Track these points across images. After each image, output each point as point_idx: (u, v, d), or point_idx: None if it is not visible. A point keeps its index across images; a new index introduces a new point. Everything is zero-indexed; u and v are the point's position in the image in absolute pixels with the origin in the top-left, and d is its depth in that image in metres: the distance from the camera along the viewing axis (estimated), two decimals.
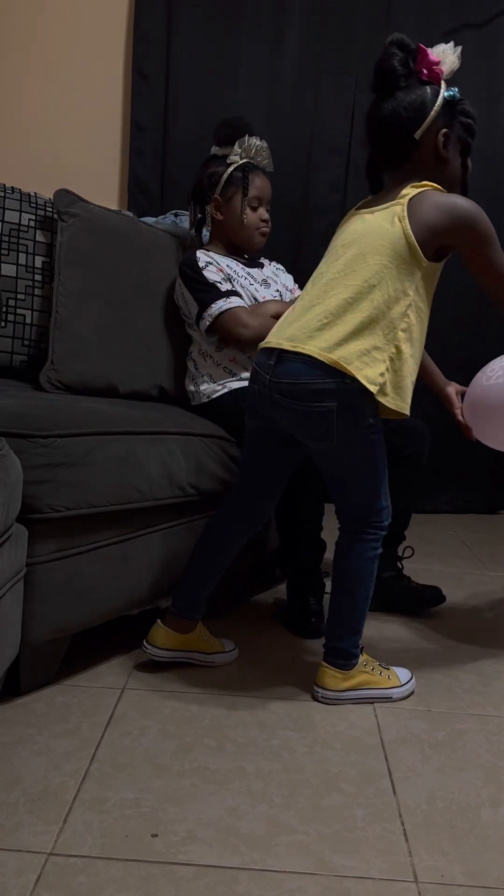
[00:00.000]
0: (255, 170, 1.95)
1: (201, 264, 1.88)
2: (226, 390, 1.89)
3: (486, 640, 1.87)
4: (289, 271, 2.23)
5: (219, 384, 1.90)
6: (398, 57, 1.34)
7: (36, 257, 1.98)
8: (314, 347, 1.33)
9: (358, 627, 1.47)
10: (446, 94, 1.37)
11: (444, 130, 1.39)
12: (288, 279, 2.16)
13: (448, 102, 1.37)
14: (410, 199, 1.35)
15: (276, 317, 1.95)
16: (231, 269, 1.92)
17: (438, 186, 1.39)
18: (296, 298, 2.12)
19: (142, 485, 1.49)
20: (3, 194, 1.96)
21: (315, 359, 1.32)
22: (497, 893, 0.99)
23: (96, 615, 1.48)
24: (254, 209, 1.96)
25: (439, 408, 3.28)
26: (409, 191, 1.36)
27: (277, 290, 2.05)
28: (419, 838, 1.09)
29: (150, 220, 2.31)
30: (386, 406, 1.37)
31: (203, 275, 1.87)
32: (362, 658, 1.49)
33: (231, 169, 1.93)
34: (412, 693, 1.52)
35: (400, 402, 1.38)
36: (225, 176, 1.93)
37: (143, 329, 1.97)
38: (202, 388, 1.92)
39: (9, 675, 1.38)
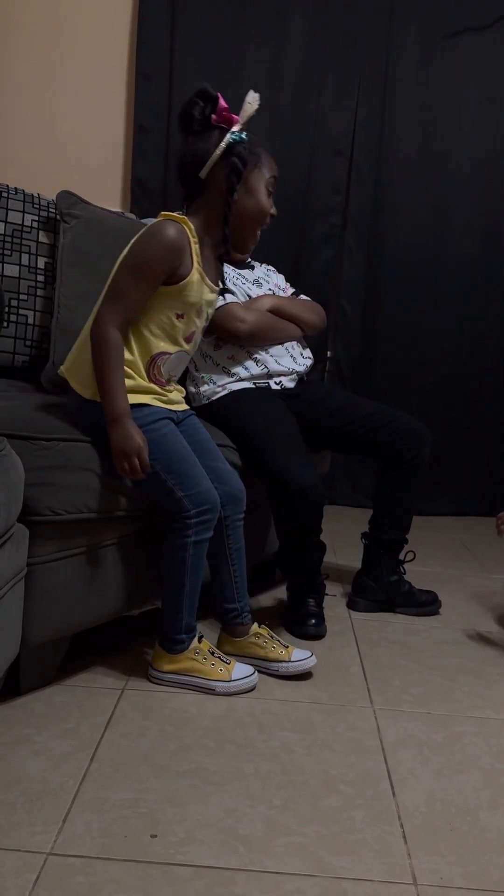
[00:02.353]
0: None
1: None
2: (225, 392, 1.90)
3: (485, 643, 1.87)
4: (291, 271, 2.23)
5: (218, 385, 1.90)
6: (197, 106, 1.47)
7: (38, 258, 1.99)
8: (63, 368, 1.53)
9: (175, 615, 1.49)
10: (230, 137, 1.48)
11: (225, 171, 1.49)
12: (279, 279, 2.17)
13: (231, 144, 1.48)
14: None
15: (272, 311, 1.95)
16: (225, 270, 1.93)
17: (183, 219, 1.46)
18: (292, 295, 2.12)
19: (142, 490, 1.49)
20: (6, 195, 1.97)
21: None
22: None
23: (96, 616, 1.48)
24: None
25: (439, 410, 3.29)
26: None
27: (270, 290, 2.06)
28: (418, 840, 1.10)
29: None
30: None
31: None
32: (196, 646, 1.51)
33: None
34: (246, 691, 1.50)
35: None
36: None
37: None
38: (202, 389, 1.92)
39: (9, 675, 1.38)
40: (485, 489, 3.32)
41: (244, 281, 2.00)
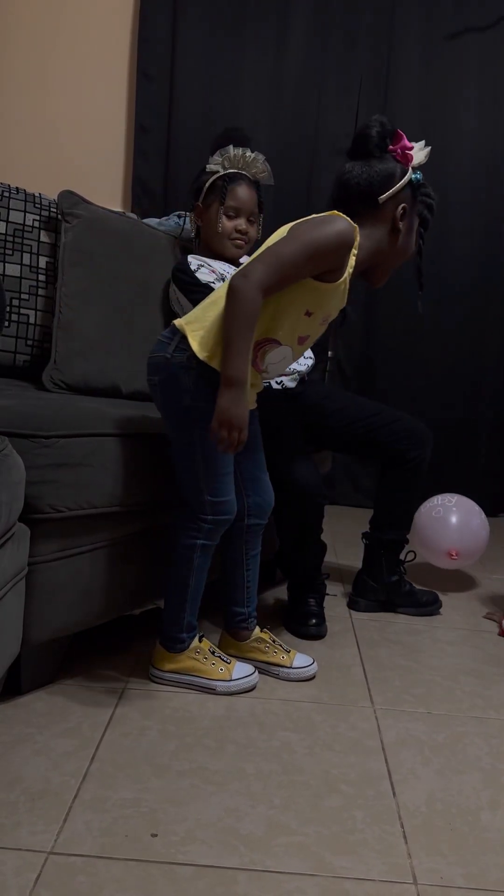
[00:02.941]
0: (241, 180, 1.90)
1: (193, 267, 1.88)
2: None
3: (486, 643, 1.87)
4: None
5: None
6: (378, 130, 1.45)
7: (40, 258, 1.99)
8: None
9: (178, 614, 1.49)
10: (413, 176, 1.47)
11: (404, 205, 1.47)
12: None
13: (413, 184, 1.48)
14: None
15: None
16: (223, 269, 1.93)
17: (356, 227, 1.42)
18: None
19: (143, 486, 1.49)
20: (7, 195, 1.97)
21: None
22: None
23: (97, 615, 1.48)
24: (230, 218, 1.91)
25: (439, 410, 3.29)
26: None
27: None
28: (419, 840, 1.10)
29: (153, 221, 2.31)
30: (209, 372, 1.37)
31: (196, 277, 1.87)
32: (197, 645, 1.51)
33: (213, 178, 1.90)
34: (246, 690, 1.50)
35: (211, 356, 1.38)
36: (207, 184, 1.91)
37: (146, 329, 1.97)
38: None
39: (10, 675, 1.38)
40: (485, 489, 3.32)
41: None
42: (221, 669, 1.50)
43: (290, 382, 1.96)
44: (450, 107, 3.16)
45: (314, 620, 1.81)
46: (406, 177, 1.46)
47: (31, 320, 1.97)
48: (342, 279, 1.42)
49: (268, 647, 1.60)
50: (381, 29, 3.11)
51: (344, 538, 2.68)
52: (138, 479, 1.48)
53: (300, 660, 1.59)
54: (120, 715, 1.38)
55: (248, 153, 1.90)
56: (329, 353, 3.32)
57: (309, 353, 2.07)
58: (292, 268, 1.35)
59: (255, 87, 3.12)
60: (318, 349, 3.27)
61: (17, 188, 2.00)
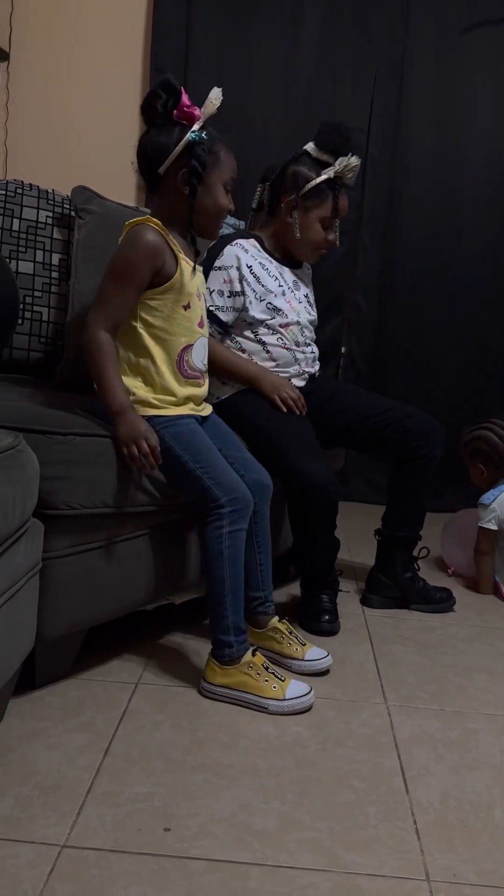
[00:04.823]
0: (343, 189, 1.89)
1: (217, 264, 1.88)
2: (234, 390, 1.89)
3: (499, 640, 1.86)
4: None
5: (228, 384, 1.90)
6: (160, 98, 1.46)
7: (53, 254, 1.99)
8: None
9: (220, 613, 1.45)
10: (191, 135, 1.46)
11: (184, 170, 1.48)
12: (310, 290, 2.11)
13: (191, 143, 1.46)
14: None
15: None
16: (253, 270, 1.89)
17: (155, 221, 1.49)
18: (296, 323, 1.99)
19: (157, 484, 1.49)
20: (20, 192, 1.97)
21: None
22: None
23: (111, 610, 1.49)
24: (325, 227, 1.92)
25: (451, 405, 3.27)
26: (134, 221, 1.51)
27: (305, 295, 2.02)
28: (431, 837, 1.09)
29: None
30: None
31: (208, 275, 1.86)
32: (250, 660, 1.45)
33: (321, 179, 1.87)
34: (300, 712, 1.42)
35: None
36: (312, 184, 1.87)
37: None
38: (213, 387, 1.92)
39: (24, 669, 1.39)
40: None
41: (281, 283, 1.93)
42: (275, 687, 1.42)
43: (299, 382, 1.96)
44: (465, 101, 3.14)
45: (327, 617, 1.81)
46: (183, 140, 1.46)
47: (45, 318, 1.97)
48: (177, 268, 1.49)
49: (283, 637, 1.60)
50: (396, 22, 3.09)
51: (356, 535, 2.68)
52: (152, 477, 1.48)
53: (313, 653, 1.59)
54: (133, 709, 1.38)
55: (357, 160, 1.88)
56: (342, 348, 3.31)
57: (313, 348, 2.04)
58: (120, 298, 1.47)
59: (268, 81, 3.11)
60: (332, 345, 3.26)
61: (30, 185, 2.01)
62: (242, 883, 0.97)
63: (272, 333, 1.91)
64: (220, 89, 1.48)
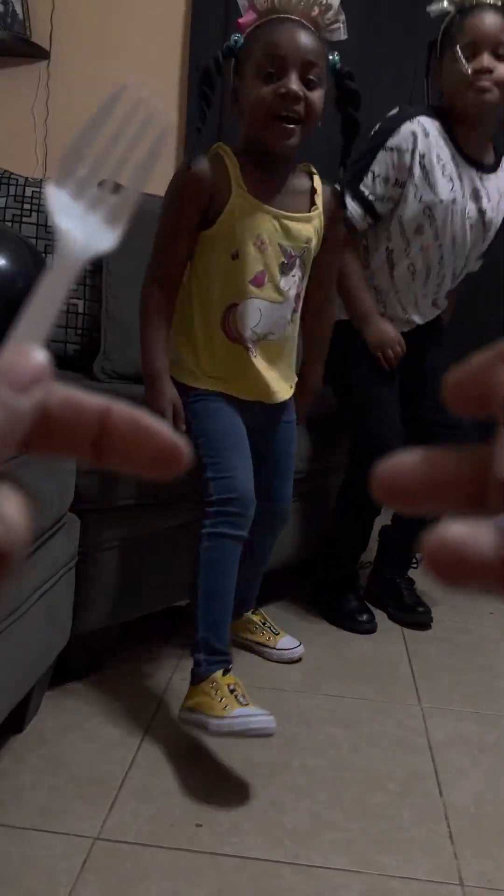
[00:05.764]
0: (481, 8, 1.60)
1: (390, 143, 1.63)
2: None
3: None
4: None
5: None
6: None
7: None
8: None
9: (194, 624, 1.24)
10: (233, 40, 1.30)
11: (234, 85, 1.33)
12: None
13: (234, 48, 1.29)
14: None
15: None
16: (429, 166, 1.60)
17: (224, 148, 1.37)
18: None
19: (193, 476, 1.49)
20: None
21: None
22: None
23: (146, 605, 1.50)
24: (468, 59, 1.57)
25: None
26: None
27: (481, 211, 1.68)
28: (466, 841, 1.08)
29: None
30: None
31: (376, 153, 1.63)
32: (221, 679, 1.20)
33: (448, 20, 1.63)
34: (238, 734, 1.16)
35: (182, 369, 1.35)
36: (441, 30, 1.62)
37: None
38: None
39: (59, 662, 1.40)
40: None
41: (463, 193, 1.65)
42: (226, 707, 1.16)
43: (403, 327, 1.75)
44: None
45: (366, 616, 1.78)
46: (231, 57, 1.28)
47: (80, 310, 1.99)
48: (230, 201, 1.27)
49: (256, 627, 1.60)
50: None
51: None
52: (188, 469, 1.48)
53: (286, 641, 1.59)
54: (166, 704, 1.39)
55: None
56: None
57: (442, 302, 1.82)
58: (167, 246, 1.30)
59: None
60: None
61: None
62: (274, 881, 0.97)
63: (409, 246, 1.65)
64: None
